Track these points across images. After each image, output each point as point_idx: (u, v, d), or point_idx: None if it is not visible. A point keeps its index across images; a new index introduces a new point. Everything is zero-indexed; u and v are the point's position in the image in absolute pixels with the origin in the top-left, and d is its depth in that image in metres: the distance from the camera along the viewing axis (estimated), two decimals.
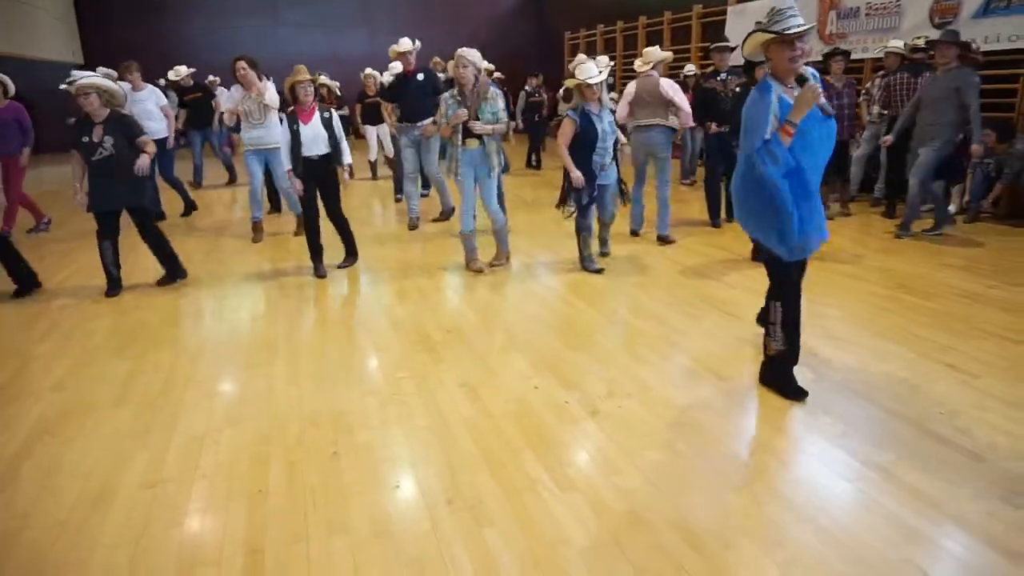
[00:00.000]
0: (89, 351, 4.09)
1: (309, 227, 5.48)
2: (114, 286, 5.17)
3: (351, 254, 5.79)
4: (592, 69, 5.02)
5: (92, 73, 5.25)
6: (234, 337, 4.31)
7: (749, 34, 3.02)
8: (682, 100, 6.05)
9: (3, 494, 2.63)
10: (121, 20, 17.26)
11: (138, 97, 7.32)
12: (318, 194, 5.39)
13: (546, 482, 2.64)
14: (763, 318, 3.57)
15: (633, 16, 14.14)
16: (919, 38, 7.15)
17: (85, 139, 4.87)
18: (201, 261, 6.05)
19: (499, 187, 5.75)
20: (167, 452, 2.91)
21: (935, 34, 7.39)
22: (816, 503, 2.47)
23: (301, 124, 5.20)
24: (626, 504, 2.50)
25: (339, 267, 5.68)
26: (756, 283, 5.06)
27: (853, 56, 8.85)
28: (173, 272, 5.37)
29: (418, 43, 6.96)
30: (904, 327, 4.14)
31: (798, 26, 2.86)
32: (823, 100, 2.93)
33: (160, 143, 7.57)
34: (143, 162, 4.96)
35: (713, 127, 6.65)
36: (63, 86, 5.18)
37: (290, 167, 5.26)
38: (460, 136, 5.17)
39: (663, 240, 6.33)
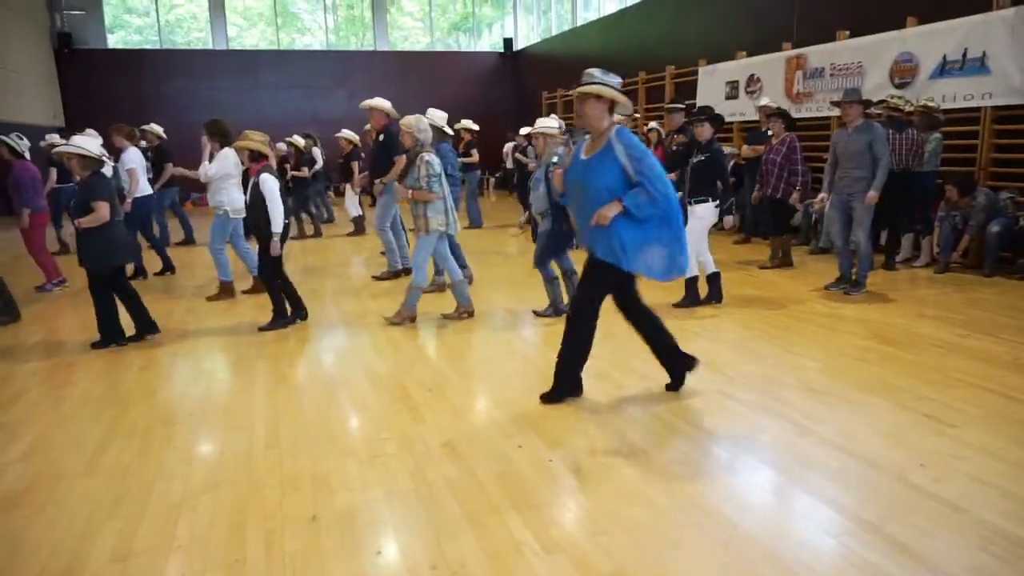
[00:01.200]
0: (60, 417, 4.00)
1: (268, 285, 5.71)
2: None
3: (277, 315, 5.67)
4: (552, 122, 5.66)
5: (72, 140, 5.22)
6: (211, 398, 4.24)
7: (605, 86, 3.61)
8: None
9: None
10: (102, 80, 17.47)
11: (123, 159, 7.46)
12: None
13: (531, 543, 2.60)
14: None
15: None
16: (898, 98, 7.42)
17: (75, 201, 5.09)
18: (179, 318, 5.99)
19: (450, 244, 5.95)
20: (141, 522, 2.83)
21: (898, 92, 7.73)
22: (802, 559, 2.45)
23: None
24: (612, 564, 2.46)
25: (261, 329, 5.61)
26: (734, 335, 5.12)
27: (819, 113, 9.23)
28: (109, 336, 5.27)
29: (379, 101, 7.15)
30: (882, 378, 4.19)
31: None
32: None
33: (143, 202, 7.62)
34: (79, 222, 4.97)
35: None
36: (42, 143, 5.30)
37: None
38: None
39: None
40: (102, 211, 4.92)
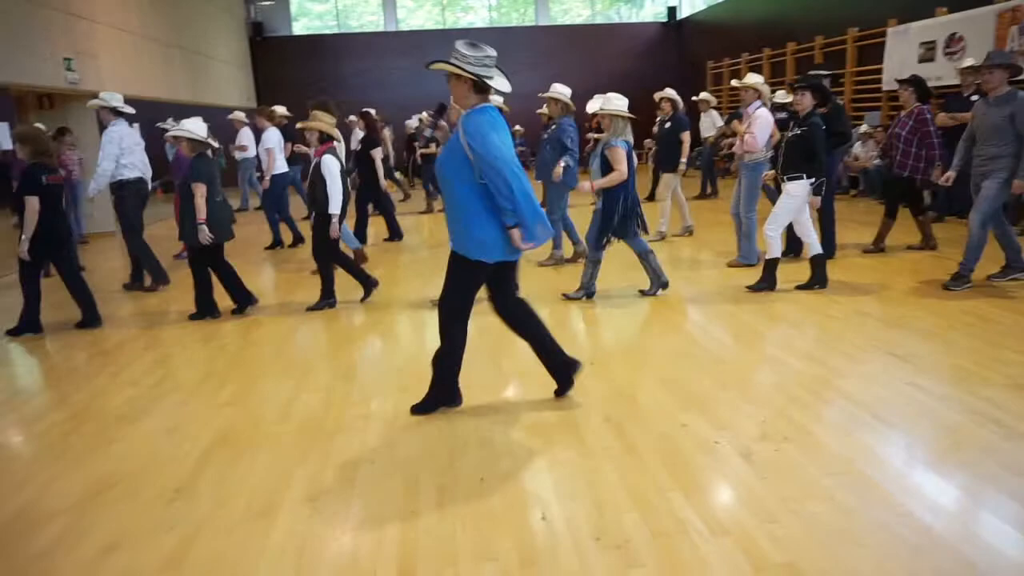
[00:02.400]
0: (257, 370, 4.43)
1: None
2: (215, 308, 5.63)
3: (324, 296, 5.73)
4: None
5: (182, 123, 5.61)
6: (388, 360, 4.51)
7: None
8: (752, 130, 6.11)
9: (183, 503, 2.87)
10: (288, 65, 18.96)
11: (263, 139, 8.14)
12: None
13: (697, 525, 2.52)
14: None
15: (780, 43, 13.67)
16: None
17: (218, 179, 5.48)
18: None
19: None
20: (325, 469, 3.07)
21: None
22: (1000, 565, 2.18)
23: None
24: (784, 555, 2.33)
25: (308, 309, 5.71)
26: (925, 322, 4.65)
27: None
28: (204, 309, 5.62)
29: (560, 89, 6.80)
30: None
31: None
32: None
33: (279, 179, 8.21)
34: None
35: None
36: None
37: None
38: None
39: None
40: (197, 192, 5.27)
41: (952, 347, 4.22)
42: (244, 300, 5.69)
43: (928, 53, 9.85)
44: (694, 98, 11.52)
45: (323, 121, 5.52)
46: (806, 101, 5.43)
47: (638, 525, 2.54)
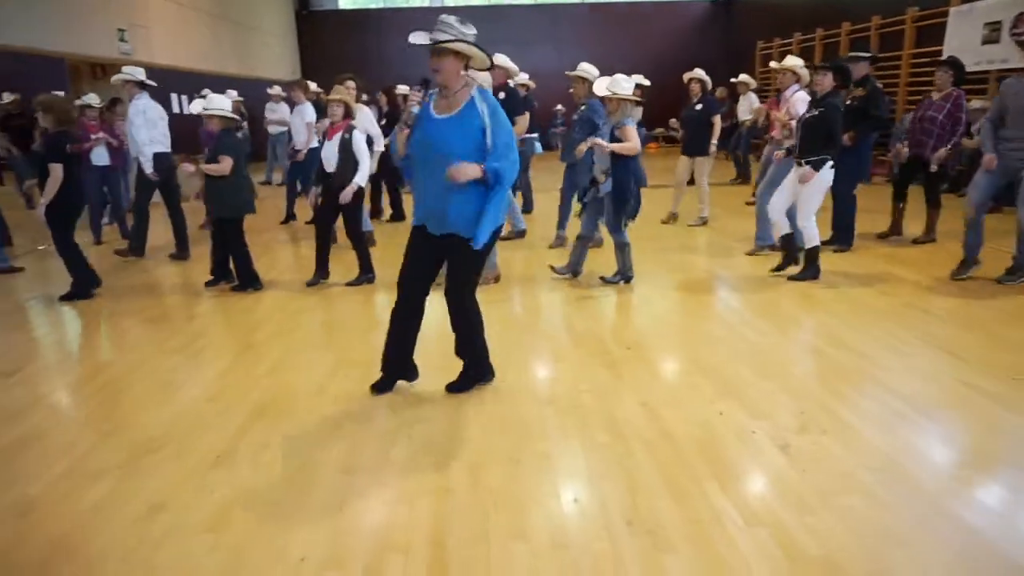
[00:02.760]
0: (298, 341, 4.51)
1: (316, 236, 5.77)
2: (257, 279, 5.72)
3: (363, 271, 5.77)
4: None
5: (210, 99, 5.67)
6: (421, 340, 4.54)
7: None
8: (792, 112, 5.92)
9: (224, 469, 2.95)
10: (333, 39, 19.04)
11: (297, 111, 8.18)
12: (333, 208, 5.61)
13: (731, 514, 2.50)
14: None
15: (835, 22, 13.22)
16: None
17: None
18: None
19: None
20: (362, 443, 3.12)
21: None
22: None
23: (326, 141, 5.51)
24: (821, 548, 2.30)
25: (347, 284, 5.71)
26: (974, 316, 4.50)
27: None
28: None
29: (502, 59, 6.73)
30: None
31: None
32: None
33: (314, 152, 8.17)
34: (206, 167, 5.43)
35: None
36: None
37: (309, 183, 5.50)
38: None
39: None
40: (225, 164, 5.33)
41: (1003, 342, 4.08)
42: (251, 279, 5.70)
43: (993, 34, 9.43)
44: (732, 80, 11.26)
45: (347, 95, 5.64)
46: (826, 82, 5.28)
47: (671, 511, 2.52)
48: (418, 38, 3.17)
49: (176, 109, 12.91)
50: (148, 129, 6.57)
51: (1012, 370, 3.67)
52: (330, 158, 5.50)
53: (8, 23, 7.89)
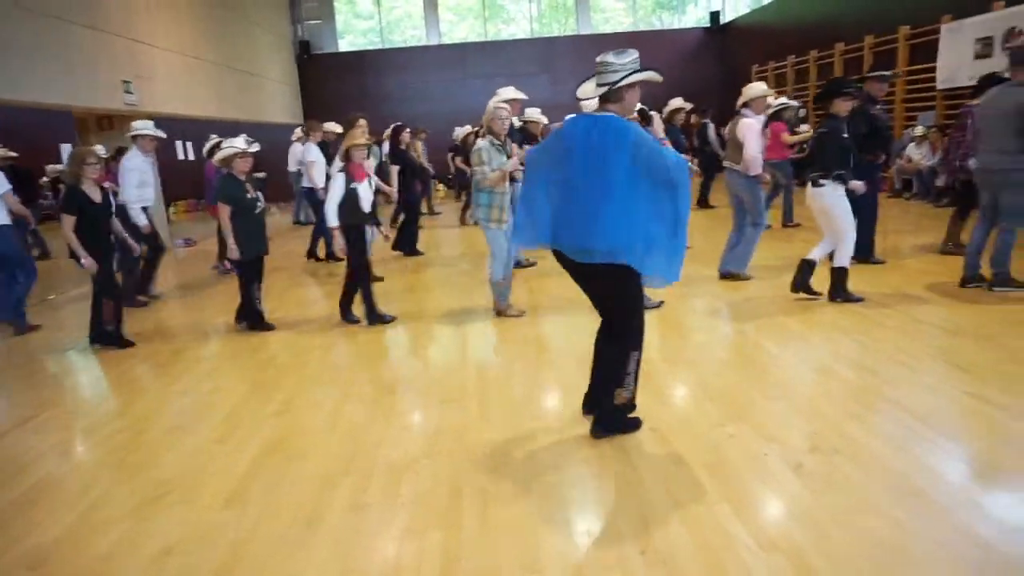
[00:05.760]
0: (304, 382, 4.52)
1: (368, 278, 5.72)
2: (262, 320, 5.73)
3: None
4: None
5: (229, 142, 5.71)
6: (427, 372, 4.55)
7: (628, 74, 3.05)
8: (750, 144, 5.90)
9: (233, 511, 2.94)
10: (333, 81, 19.37)
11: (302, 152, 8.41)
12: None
13: (745, 539, 2.47)
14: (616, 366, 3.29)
15: (828, 44, 13.38)
16: None
17: (247, 195, 5.42)
18: (399, 299, 6.49)
19: None
20: (371, 479, 3.11)
21: None
22: None
23: (357, 183, 5.42)
24: (837, 572, 2.27)
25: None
26: (985, 329, 4.47)
27: None
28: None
29: (511, 90, 6.80)
30: None
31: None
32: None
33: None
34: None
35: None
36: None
37: (336, 223, 5.42)
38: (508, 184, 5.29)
39: (724, 276, 6.27)
40: (222, 213, 5.38)
41: (1014, 355, 4.05)
42: (255, 319, 5.74)
43: (985, 49, 9.53)
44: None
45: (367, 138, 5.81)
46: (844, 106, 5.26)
47: (684, 539, 2.50)
48: (589, 91, 3.11)
49: (181, 156, 13.14)
50: (140, 187, 6.66)
51: (1021, 381, 3.64)
52: (366, 199, 5.50)
53: (15, 78, 8.07)
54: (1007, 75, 5.46)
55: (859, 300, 5.27)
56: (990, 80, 6.36)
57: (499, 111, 5.26)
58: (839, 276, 5.31)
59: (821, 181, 5.17)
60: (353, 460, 3.30)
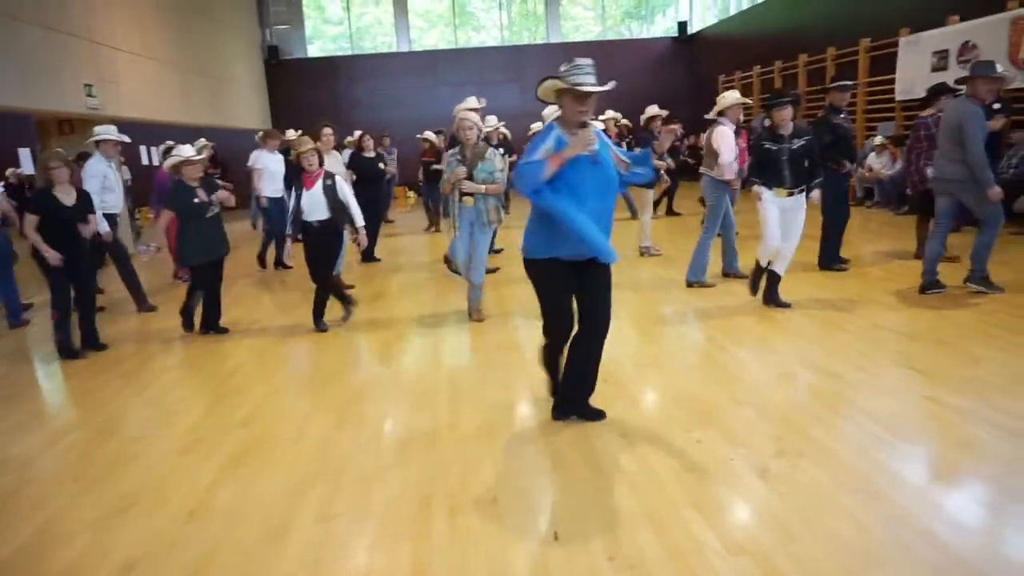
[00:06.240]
0: (272, 390, 4.45)
1: (326, 288, 5.72)
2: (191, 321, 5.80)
3: (346, 302, 5.86)
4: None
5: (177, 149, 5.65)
6: (397, 380, 4.53)
7: (543, 79, 3.36)
8: (724, 151, 6.07)
9: (197, 524, 2.89)
10: (303, 86, 19.21)
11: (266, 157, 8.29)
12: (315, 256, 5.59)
13: (713, 544, 2.50)
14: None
15: (792, 55, 13.66)
16: None
17: (196, 200, 5.40)
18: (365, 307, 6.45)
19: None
20: (340, 489, 3.08)
21: None
22: None
23: (304, 191, 5.43)
24: (804, 575, 2.30)
25: (343, 319, 5.81)
26: (943, 334, 4.59)
27: None
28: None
29: (472, 100, 6.83)
30: None
31: (590, 85, 3.16)
32: (594, 147, 3.18)
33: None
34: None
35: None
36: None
37: (290, 232, 5.52)
38: (459, 194, 5.38)
39: (690, 284, 6.39)
40: (162, 218, 5.48)
41: (971, 359, 4.16)
42: (213, 324, 5.76)
43: (941, 62, 9.81)
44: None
45: (316, 144, 5.69)
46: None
47: (652, 544, 2.52)
48: (592, 84, 3.22)
49: (146, 161, 12.91)
50: (104, 193, 6.56)
51: (977, 385, 3.74)
52: (313, 207, 5.41)
53: None
54: (956, 86, 5.67)
55: (755, 291, 5.56)
56: (938, 91, 6.61)
57: (463, 121, 5.35)
58: (758, 269, 5.51)
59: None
60: (321, 470, 3.27)
